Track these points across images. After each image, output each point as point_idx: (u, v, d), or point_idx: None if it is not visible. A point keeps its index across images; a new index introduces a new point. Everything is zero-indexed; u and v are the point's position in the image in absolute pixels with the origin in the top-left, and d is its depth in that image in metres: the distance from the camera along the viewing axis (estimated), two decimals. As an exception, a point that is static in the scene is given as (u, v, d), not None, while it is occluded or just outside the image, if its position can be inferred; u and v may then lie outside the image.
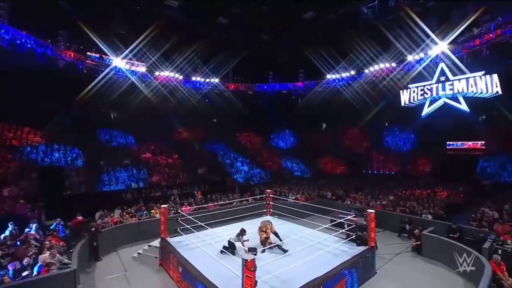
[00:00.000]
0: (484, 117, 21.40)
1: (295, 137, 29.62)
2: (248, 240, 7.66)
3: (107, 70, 18.97)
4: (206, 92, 24.90)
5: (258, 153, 25.89)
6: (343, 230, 9.11)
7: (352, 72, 23.19)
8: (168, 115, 22.95)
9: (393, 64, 21.54)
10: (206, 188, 18.02)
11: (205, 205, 12.32)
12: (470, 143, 21.73)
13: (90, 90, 17.94)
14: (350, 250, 8.03)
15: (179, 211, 10.32)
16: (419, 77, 20.14)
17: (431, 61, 19.33)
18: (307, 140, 28.41)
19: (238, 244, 7.32)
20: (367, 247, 8.25)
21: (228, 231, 8.53)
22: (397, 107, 22.86)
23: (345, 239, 8.78)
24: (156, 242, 9.14)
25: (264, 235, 7.67)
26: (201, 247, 8.19)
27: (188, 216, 9.30)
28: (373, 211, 8.27)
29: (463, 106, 18.33)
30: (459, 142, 22.14)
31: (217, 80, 24.70)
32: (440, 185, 17.17)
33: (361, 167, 25.27)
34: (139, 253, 9.24)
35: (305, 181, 21.28)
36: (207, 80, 24.43)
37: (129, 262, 9.19)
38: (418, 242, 9.78)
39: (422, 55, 19.68)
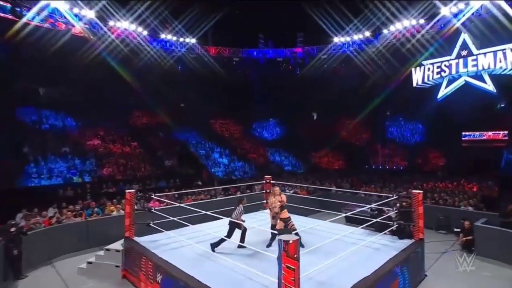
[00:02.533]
0: (503, 105, 21.67)
1: (281, 127, 29.88)
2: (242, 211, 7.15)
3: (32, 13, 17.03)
4: (181, 56, 23.63)
5: (238, 143, 26.16)
6: (378, 220, 8.19)
7: (367, 34, 22.20)
8: (125, 90, 21.63)
9: (421, 21, 20.19)
10: (177, 183, 17.50)
11: (180, 202, 11.51)
12: (490, 133, 21.98)
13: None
14: (393, 244, 7.45)
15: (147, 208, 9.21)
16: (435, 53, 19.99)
17: (474, 14, 17.42)
18: (297, 131, 28.59)
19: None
20: (413, 240, 7.54)
21: (215, 227, 8.01)
22: (404, 90, 23.03)
23: (381, 231, 7.90)
24: (116, 245, 8.20)
25: (278, 203, 7.15)
26: (187, 246, 7.22)
27: (162, 214, 8.43)
28: (420, 191, 7.44)
29: (489, 86, 18.50)
30: (477, 133, 22.40)
31: (193, 41, 23.40)
32: (463, 178, 17.24)
33: (363, 162, 25.52)
34: (89, 263, 8.19)
35: (299, 176, 21.13)
36: (181, 40, 23.13)
37: (74, 276, 8.06)
38: (470, 237, 9.17)
39: (461, 5, 18.07)
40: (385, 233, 7.71)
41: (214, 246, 6.90)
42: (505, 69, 17.77)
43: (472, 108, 21.03)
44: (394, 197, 8.23)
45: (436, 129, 23.70)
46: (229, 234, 6.85)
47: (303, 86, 27.49)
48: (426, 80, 20.64)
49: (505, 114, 21.22)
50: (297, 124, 29.04)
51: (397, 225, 7.80)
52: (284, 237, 4.12)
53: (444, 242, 10.09)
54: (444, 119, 22.70)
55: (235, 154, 23.85)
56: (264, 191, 10.73)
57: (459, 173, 19.03)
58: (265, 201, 10.50)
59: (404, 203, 8.40)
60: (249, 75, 26.81)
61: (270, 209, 7.49)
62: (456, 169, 20.29)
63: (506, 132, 21.49)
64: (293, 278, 4.01)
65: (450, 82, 20.08)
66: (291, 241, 4.00)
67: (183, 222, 7.92)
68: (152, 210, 8.43)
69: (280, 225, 6.92)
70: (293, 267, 4.02)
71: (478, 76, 18.94)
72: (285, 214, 7.06)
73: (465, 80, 19.53)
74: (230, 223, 6.89)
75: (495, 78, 18.52)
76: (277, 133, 29.59)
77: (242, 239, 6.88)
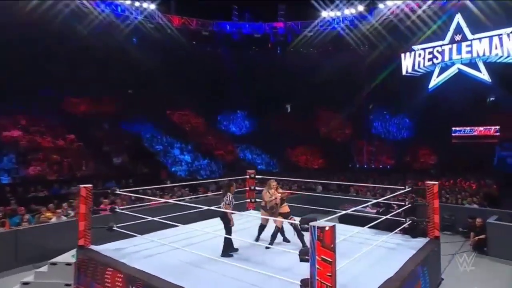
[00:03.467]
0: (492, 98, 23.57)
1: (251, 121, 30.36)
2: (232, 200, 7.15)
3: None
4: (137, 26, 22.66)
5: (202, 138, 26.25)
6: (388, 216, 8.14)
7: (360, 8, 22.13)
8: (58, 69, 20.15)
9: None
10: (130, 184, 16.72)
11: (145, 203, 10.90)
12: (482, 128, 23.54)
13: None
14: (407, 243, 7.57)
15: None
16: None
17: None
18: (270, 126, 29.23)
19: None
20: (428, 238, 7.64)
21: (191, 231, 7.86)
22: (392, 79, 23.84)
23: (390, 230, 7.85)
24: (65, 257, 7.46)
25: (274, 197, 7.23)
26: (166, 252, 6.79)
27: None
28: (434, 182, 7.54)
29: (484, 75, 19.55)
30: (468, 128, 23.84)
31: (153, 7, 22.47)
32: (460, 177, 18.27)
33: (346, 161, 26.37)
34: (25, 283, 7.28)
35: (274, 176, 21.52)
36: (137, 4, 22.19)
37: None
38: (482, 236, 9.28)
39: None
40: (395, 232, 7.67)
41: (226, 252, 6.73)
42: (501, 57, 18.88)
43: (465, 100, 22.05)
44: (407, 189, 8.21)
45: (425, 123, 24.69)
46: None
47: (281, 71, 27.59)
48: (417, 67, 21.55)
49: (497, 106, 22.62)
50: (270, 117, 29.46)
51: (410, 222, 7.74)
52: (317, 223, 4.01)
53: (451, 243, 9.93)
54: (434, 113, 23.71)
55: (199, 151, 23.98)
56: (247, 188, 10.36)
57: (453, 172, 19.84)
58: (248, 200, 10.35)
59: (410, 199, 8.61)
60: (221, 54, 26.39)
61: (264, 205, 7.45)
62: (449, 167, 21.25)
63: (497, 127, 23.00)
64: (330, 273, 3.91)
65: (442, 70, 21.12)
66: (327, 228, 3.86)
67: (169, 223, 7.49)
68: (117, 210, 7.76)
69: (280, 222, 7.00)
70: (329, 260, 3.93)
71: (473, 64, 20.05)
72: (286, 208, 7.14)
73: (458, 68, 20.62)
74: (221, 215, 6.78)
75: (490, 66, 19.67)
76: (246, 127, 29.90)
77: (225, 248, 6.85)
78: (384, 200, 9.08)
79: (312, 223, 4.00)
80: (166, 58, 24.50)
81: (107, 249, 7.15)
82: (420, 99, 23.83)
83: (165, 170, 20.64)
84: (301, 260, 4.71)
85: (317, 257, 4.00)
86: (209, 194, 13.35)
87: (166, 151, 22.62)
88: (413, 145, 25.25)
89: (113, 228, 7.45)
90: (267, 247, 6.77)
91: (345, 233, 7.62)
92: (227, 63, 26.69)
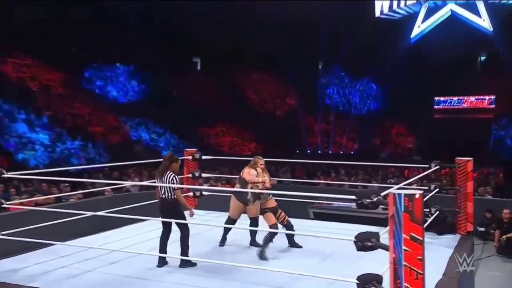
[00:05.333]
0: (484, 57, 25.99)
1: (141, 81, 30.21)
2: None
3: None
4: None
5: (63, 105, 25.59)
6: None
7: None
8: None
9: None
10: None
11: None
12: (473, 98, 25.68)
13: None
14: (437, 241, 8.37)
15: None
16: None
17: None
18: (172, 91, 29.51)
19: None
20: (457, 234, 8.52)
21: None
22: (357, 25, 25.21)
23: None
24: None
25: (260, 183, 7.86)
26: (84, 273, 6.82)
27: None
28: (468, 158, 8.36)
29: (484, 22, 21.12)
30: (455, 98, 25.98)
31: None
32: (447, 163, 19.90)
33: (292, 144, 27.05)
34: None
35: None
36: None
37: None
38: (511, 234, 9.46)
39: None
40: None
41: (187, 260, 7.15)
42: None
43: (455, 60, 23.79)
44: (435, 167, 8.84)
45: (400, 91, 26.03)
46: (166, 230, 7.21)
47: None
48: (395, 7, 22.74)
49: (494, 68, 24.70)
50: (172, 77, 29.29)
51: (437, 214, 8.18)
52: (403, 190, 4.24)
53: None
54: (413, 76, 25.03)
55: (63, 126, 23.34)
56: (186, 176, 10.77)
57: (438, 158, 21.78)
58: (190, 195, 10.43)
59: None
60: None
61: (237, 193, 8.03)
62: (432, 153, 21.79)
63: (492, 97, 25.03)
64: (420, 257, 4.15)
65: (430, 13, 22.60)
66: (417, 195, 4.10)
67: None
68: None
69: (269, 216, 7.63)
70: (419, 238, 4.17)
71: (470, 5, 21.67)
72: (273, 202, 7.81)
73: (451, 10, 22.12)
74: (167, 207, 7.11)
75: (493, 9, 21.31)
76: (135, 92, 29.52)
77: (186, 252, 7.11)
78: (405, 185, 9.48)
79: (395, 191, 4.16)
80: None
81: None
82: (395, 55, 25.03)
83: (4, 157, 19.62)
84: (361, 248, 4.89)
85: (404, 235, 4.12)
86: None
87: (1, 124, 21.73)
88: (383, 121, 26.59)
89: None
90: (264, 258, 7.22)
91: (346, 232, 7.95)
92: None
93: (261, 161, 7.92)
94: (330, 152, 27.37)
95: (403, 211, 4.16)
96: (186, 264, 6.92)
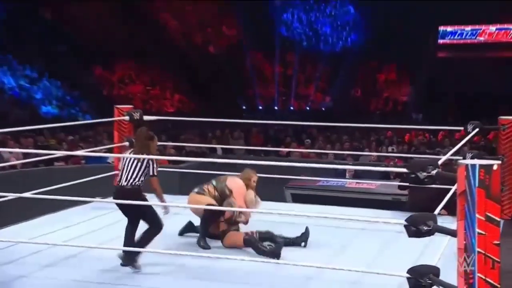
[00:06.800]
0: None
1: None
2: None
3: None
4: None
5: None
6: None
7: None
8: None
9: None
10: None
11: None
12: (493, 28, 24.35)
13: None
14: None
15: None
16: None
17: None
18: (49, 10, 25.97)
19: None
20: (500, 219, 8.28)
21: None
22: None
23: (432, 210, 7.43)
24: None
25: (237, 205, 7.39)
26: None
27: None
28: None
29: None
30: (467, 28, 24.62)
31: None
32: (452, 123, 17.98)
33: (232, 97, 25.86)
34: None
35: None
36: None
37: None
38: None
39: None
40: (439, 213, 7.20)
41: (132, 258, 6.31)
42: None
43: None
44: (473, 130, 8.81)
45: (389, 16, 24.45)
46: (133, 223, 6.38)
47: None
48: None
49: None
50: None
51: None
52: (478, 161, 3.92)
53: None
54: None
55: None
56: (117, 145, 9.62)
57: (443, 117, 21.22)
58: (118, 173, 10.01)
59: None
60: None
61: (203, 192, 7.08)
62: (435, 108, 22.67)
63: None
64: (497, 241, 3.82)
65: None
66: (495, 167, 3.75)
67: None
68: None
69: (232, 236, 6.99)
70: (496, 218, 3.87)
71: None
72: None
73: None
74: (127, 199, 6.53)
75: None
76: None
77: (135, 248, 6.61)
78: (432, 156, 8.39)
79: (466, 161, 3.78)
80: None
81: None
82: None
83: None
84: (415, 234, 4.55)
85: (477, 215, 3.84)
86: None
87: None
88: (366, 63, 25.48)
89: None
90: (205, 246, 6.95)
91: (349, 219, 8.94)
92: None
93: (254, 176, 7.27)
94: (291, 108, 25.89)
95: (477, 186, 3.80)
96: (129, 261, 5.63)
